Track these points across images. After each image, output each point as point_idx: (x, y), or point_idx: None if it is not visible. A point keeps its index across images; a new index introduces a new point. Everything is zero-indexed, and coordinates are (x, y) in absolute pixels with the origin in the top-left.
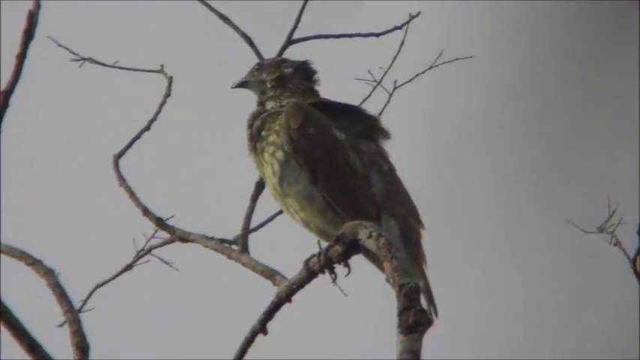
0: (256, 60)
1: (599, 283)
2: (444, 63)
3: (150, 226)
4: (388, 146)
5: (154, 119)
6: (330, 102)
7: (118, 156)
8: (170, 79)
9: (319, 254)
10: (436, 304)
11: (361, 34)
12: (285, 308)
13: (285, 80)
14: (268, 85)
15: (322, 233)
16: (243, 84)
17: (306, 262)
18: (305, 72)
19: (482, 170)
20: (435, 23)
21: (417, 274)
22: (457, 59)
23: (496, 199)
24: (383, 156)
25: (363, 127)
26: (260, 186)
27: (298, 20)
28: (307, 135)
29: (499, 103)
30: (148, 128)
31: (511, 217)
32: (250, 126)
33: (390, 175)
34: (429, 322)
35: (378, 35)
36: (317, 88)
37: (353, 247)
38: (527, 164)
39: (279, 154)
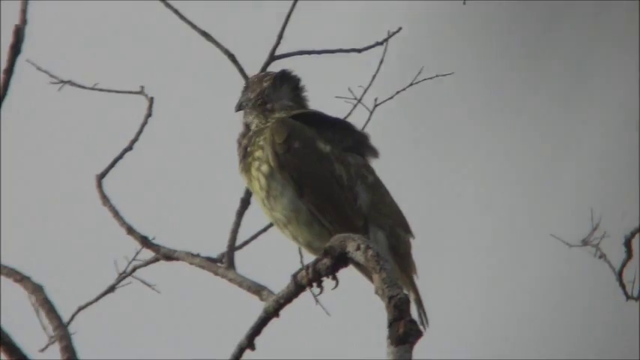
0: (239, 77)
1: (584, 295)
2: (424, 80)
3: (134, 246)
4: (375, 164)
5: (135, 139)
6: (318, 113)
7: (101, 176)
8: (151, 100)
9: (307, 267)
10: (426, 314)
11: (343, 49)
12: (273, 323)
13: (265, 95)
14: (252, 102)
15: (310, 246)
16: (239, 107)
17: (294, 276)
18: (288, 82)
19: (467, 186)
20: (416, 39)
21: (406, 285)
22: (437, 76)
23: (481, 213)
24: (369, 169)
25: (352, 141)
26: (245, 202)
27: (281, 36)
28: (292, 149)
29: (481, 118)
30: (130, 148)
31: (496, 232)
32: (239, 145)
33: (376, 186)
34: (419, 333)
35: (359, 51)
36: (304, 95)
37: (341, 259)
38: (512, 179)
39: (264, 168)
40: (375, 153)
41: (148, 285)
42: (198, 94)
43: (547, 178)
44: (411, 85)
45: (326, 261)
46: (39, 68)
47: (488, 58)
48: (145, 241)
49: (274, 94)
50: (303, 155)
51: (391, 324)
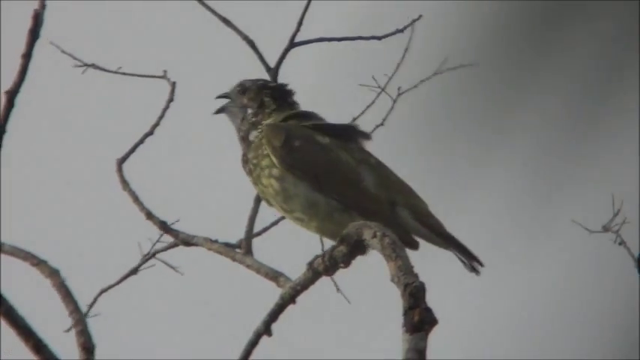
0: (259, 64)
1: (603, 282)
2: (447, 70)
3: (154, 231)
4: (370, 146)
5: (157, 124)
6: (306, 112)
7: (122, 160)
8: (173, 85)
9: (323, 255)
10: (477, 259)
11: (363, 37)
12: (290, 309)
13: (264, 107)
14: (249, 112)
15: (336, 236)
16: (223, 109)
17: (310, 264)
18: (281, 93)
19: (487, 172)
20: (440, 26)
21: (442, 243)
22: (461, 66)
23: (501, 199)
24: (367, 152)
25: (341, 130)
26: None
27: (300, 23)
28: (295, 148)
29: (503, 108)
30: (151, 133)
31: (516, 218)
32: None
33: (379, 167)
34: (434, 321)
35: (380, 39)
36: (295, 100)
37: (358, 247)
38: (533, 165)
39: (275, 172)
40: (366, 136)
41: (171, 267)
42: (218, 80)
43: (569, 162)
44: (435, 74)
45: (342, 248)
46: (63, 51)
47: (513, 47)
48: (164, 226)
49: (269, 106)
50: (307, 151)
51: (406, 312)
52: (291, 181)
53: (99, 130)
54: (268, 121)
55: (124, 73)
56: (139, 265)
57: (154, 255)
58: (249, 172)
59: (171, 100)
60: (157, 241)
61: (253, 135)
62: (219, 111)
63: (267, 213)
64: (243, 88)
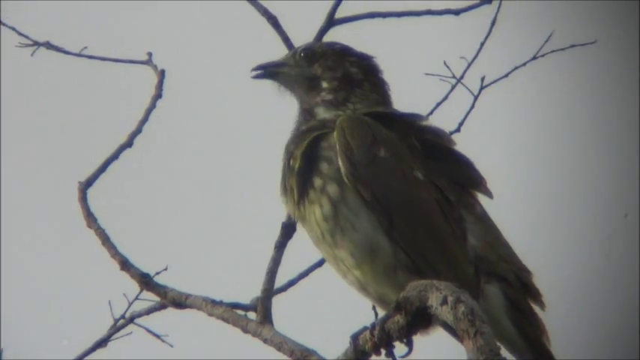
0: (282, 47)
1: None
2: (553, 52)
3: (132, 285)
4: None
5: (137, 132)
6: (399, 114)
7: (87, 184)
8: (161, 74)
9: (373, 327)
10: None
11: (433, 11)
12: None
13: (352, 82)
14: (325, 84)
15: (383, 300)
16: (271, 74)
17: (354, 338)
18: (375, 72)
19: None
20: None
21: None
22: (573, 46)
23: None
24: (472, 194)
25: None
26: (289, 229)
27: None
28: (377, 160)
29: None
30: (128, 145)
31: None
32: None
33: (485, 219)
34: None
35: (457, 13)
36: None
37: (420, 317)
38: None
39: (333, 189)
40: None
41: (156, 335)
42: (226, 70)
43: None
44: (534, 58)
45: (399, 319)
46: (3, 24)
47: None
48: (146, 281)
49: (362, 86)
50: (392, 169)
51: None
52: (352, 205)
53: (54, 138)
54: (357, 108)
55: (90, 57)
56: (110, 335)
57: (131, 320)
58: (284, 174)
59: (158, 96)
60: (136, 298)
61: (324, 113)
62: (268, 75)
63: (293, 263)
64: (311, 53)
